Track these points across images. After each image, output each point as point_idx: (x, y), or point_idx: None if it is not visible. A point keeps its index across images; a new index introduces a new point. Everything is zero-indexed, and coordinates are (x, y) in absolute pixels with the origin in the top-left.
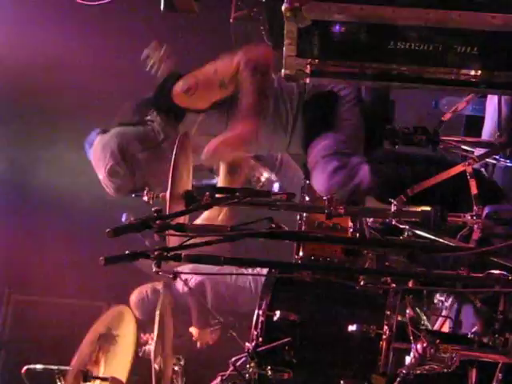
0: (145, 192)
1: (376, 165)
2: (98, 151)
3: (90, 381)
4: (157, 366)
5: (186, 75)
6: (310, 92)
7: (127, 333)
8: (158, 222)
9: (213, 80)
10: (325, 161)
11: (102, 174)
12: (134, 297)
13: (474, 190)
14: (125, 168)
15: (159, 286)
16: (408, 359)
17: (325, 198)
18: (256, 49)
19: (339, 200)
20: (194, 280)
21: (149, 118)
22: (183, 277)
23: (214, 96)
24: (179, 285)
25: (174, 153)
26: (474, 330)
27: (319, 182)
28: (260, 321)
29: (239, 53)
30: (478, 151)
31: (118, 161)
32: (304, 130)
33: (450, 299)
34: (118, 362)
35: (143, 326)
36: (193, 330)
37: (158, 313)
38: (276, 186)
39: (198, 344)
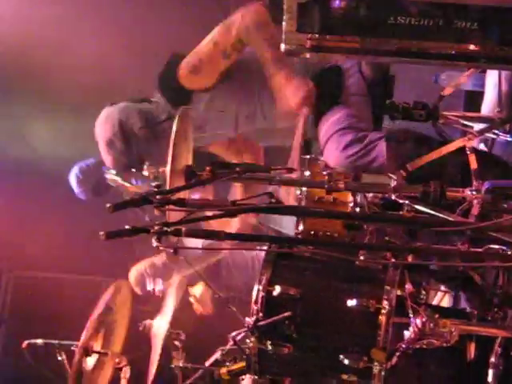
0: (145, 167)
1: (394, 144)
2: (102, 122)
3: (90, 355)
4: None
5: (188, 56)
6: (313, 68)
7: (123, 306)
8: (158, 196)
9: (215, 53)
10: (339, 134)
11: (102, 146)
12: (132, 274)
13: (473, 165)
14: (122, 142)
15: (156, 259)
16: (407, 334)
17: (325, 172)
18: (248, 9)
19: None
20: None
21: (155, 99)
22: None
23: (220, 69)
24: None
25: (175, 128)
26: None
27: (333, 155)
28: (260, 295)
29: (234, 19)
30: (478, 126)
31: (116, 134)
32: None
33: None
34: (116, 336)
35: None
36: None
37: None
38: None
39: (199, 312)
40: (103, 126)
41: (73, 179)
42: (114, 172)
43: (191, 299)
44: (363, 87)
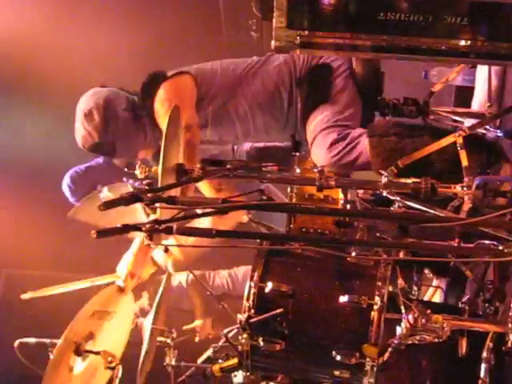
0: (137, 166)
1: (377, 138)
2: (87, 95)
3: (81, 355)
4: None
5: (168, 89)
6: (302, 68)
7: (125, 310)
8: (149, 194)
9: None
10: (324, 134)
11: (78, 117)
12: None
13: (464, 162)
14: (101, 116)
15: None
16: (399, 329)
17: (315, 170)
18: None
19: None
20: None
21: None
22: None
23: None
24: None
25: (166, 125)
26: (464, 299)
27: (319, 155)
28: (252, 292)
29: None
30: (468, 122)
31: (98, 106)
32: (301, 104)
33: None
34: (115, 338)
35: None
36: (197, 322)
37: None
38: None
39: (198, 336)
40: (88, 98)
41: (65, 189)
42: (106, 190)
43: (195, 323)
44: (352, 85)
